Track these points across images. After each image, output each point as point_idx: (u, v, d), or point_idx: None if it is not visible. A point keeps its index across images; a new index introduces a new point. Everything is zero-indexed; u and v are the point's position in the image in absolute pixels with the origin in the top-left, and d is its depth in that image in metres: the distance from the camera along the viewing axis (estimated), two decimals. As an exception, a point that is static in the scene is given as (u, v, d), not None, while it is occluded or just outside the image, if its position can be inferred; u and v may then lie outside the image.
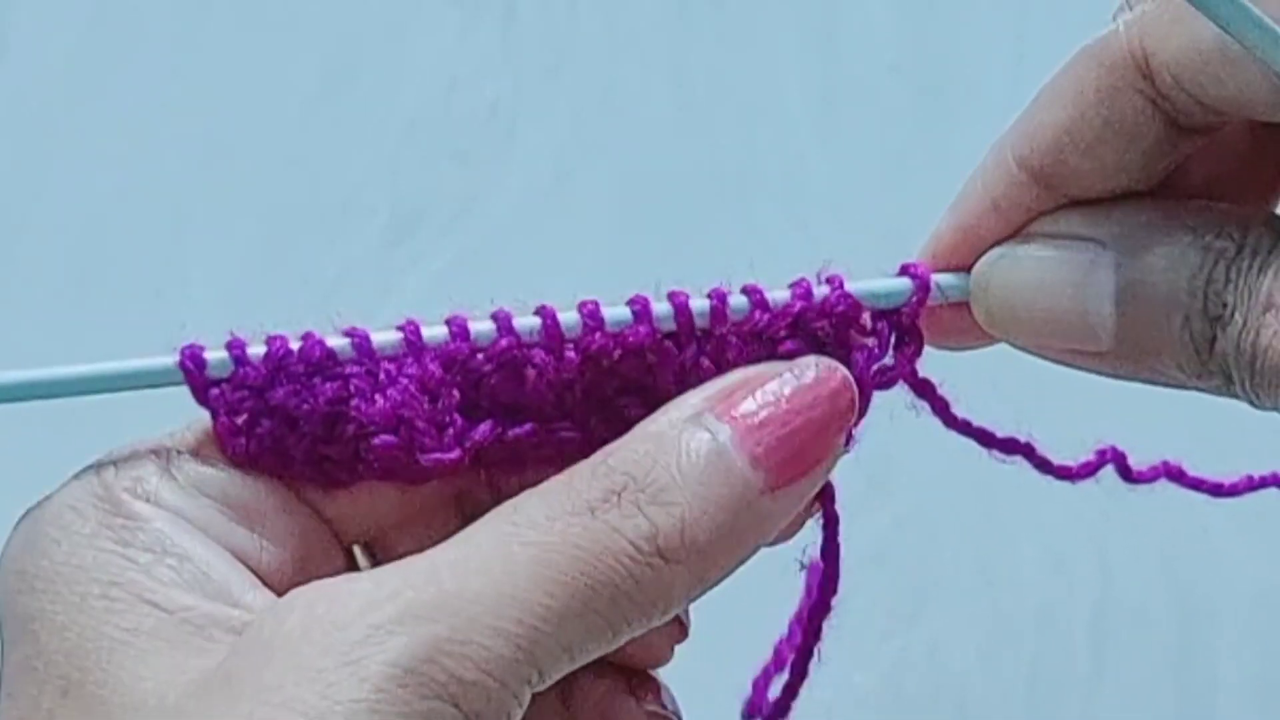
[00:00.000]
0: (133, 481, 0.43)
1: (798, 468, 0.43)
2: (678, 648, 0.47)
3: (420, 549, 0.44)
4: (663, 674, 0.48)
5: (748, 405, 0.43)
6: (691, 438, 0.42)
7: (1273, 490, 0.53)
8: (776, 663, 0.50)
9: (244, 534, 0.43)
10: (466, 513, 0.46)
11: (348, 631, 0.39)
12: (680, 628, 0.47)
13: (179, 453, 0.44)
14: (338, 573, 0.45)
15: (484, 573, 0.40)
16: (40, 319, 0.92)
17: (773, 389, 0.43)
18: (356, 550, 0.47)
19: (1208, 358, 0.43)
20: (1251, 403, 0.43)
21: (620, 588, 0.40)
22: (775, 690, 0.50)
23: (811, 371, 0.44)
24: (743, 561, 0.42)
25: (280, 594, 0.42)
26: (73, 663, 0.40)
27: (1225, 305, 0.42)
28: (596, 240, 0.94)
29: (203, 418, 0.44)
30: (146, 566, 0.41)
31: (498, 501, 0.44)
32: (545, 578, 0.40)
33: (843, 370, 0.44)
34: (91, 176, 0.95)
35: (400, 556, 0.45)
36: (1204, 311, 0.42)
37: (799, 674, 0.48)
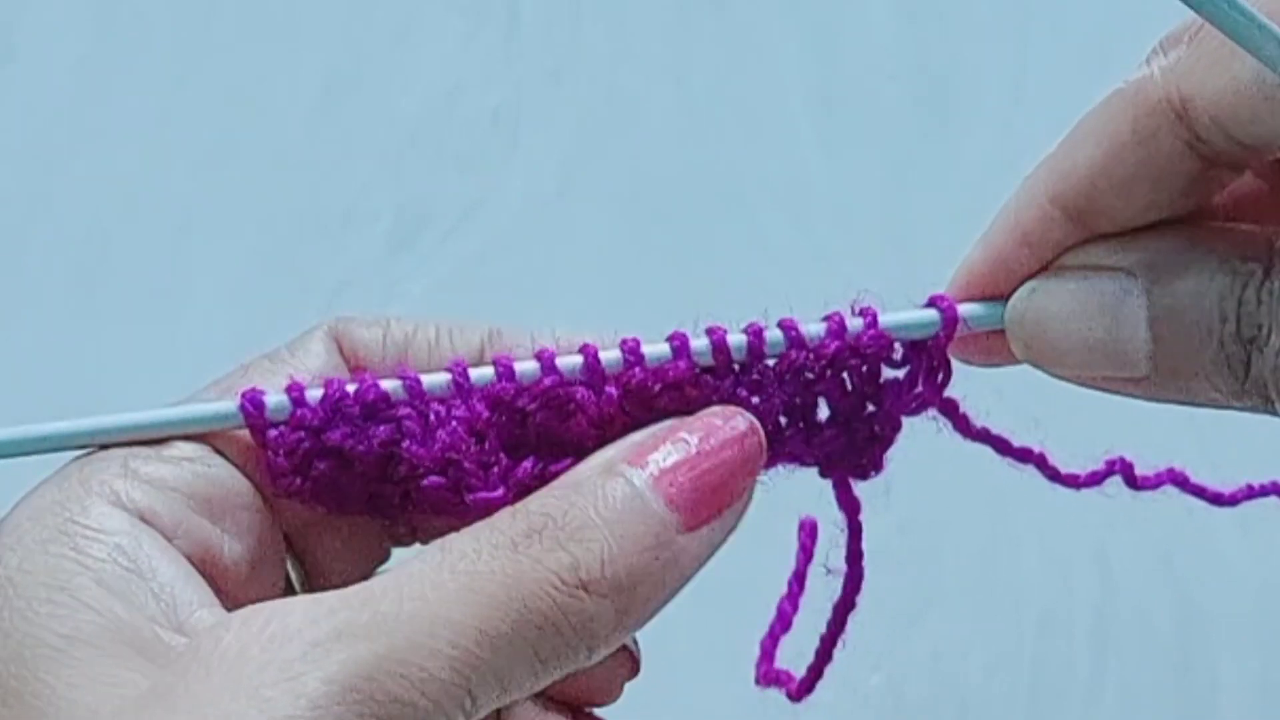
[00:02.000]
0: (98, 484, 0.43)
1: (712, 507, 0.44)
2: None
3: (339, 548, 0.47)
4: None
5: (661, 452, 0.44)
6: (607, 482, 0.44)
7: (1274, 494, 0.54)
8: (782, 623, 0.52)
9: (210, 527, 0.45)
10: (382, 519, 0.48)
11: (286, 648, 0.39)
12: (632, 663, 0.48)
13: (145, 453, 0.45)
14: (282, 575, 0.47)
15: (418, 598, 0.41)
16: (46, 324, 0.92)
17: (683, 436, 0.45)
18: (290, 568, 0.48)
19: (1244, 378, 0.43)
20: None
21: (548, 616, 0.41)
22: (782, 651, 0.52)
23: (719, 420, 0.45)
24: (666, 601, 0.44)
25: (234, 590, 0.44)
26: (11, 670, 0.41)
27: (1260, 327, 0.43)
28: (599, 246, 0.94)
29: None
30: (97, 573, 0.42)
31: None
32: (476, 603, 0.41)
33: (749, 417, 0.46)
34: (97, 182, 0.95)
35: (320, 556, 0.48)
36: (1237, 334, 0.43)
37: (824, 659, 0.51)
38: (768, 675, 0.52)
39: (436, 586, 0.41)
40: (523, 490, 0.46)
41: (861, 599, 0.88)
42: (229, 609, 0.42)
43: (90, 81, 0.98)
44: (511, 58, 0.99)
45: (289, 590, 0.48)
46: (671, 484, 0.44)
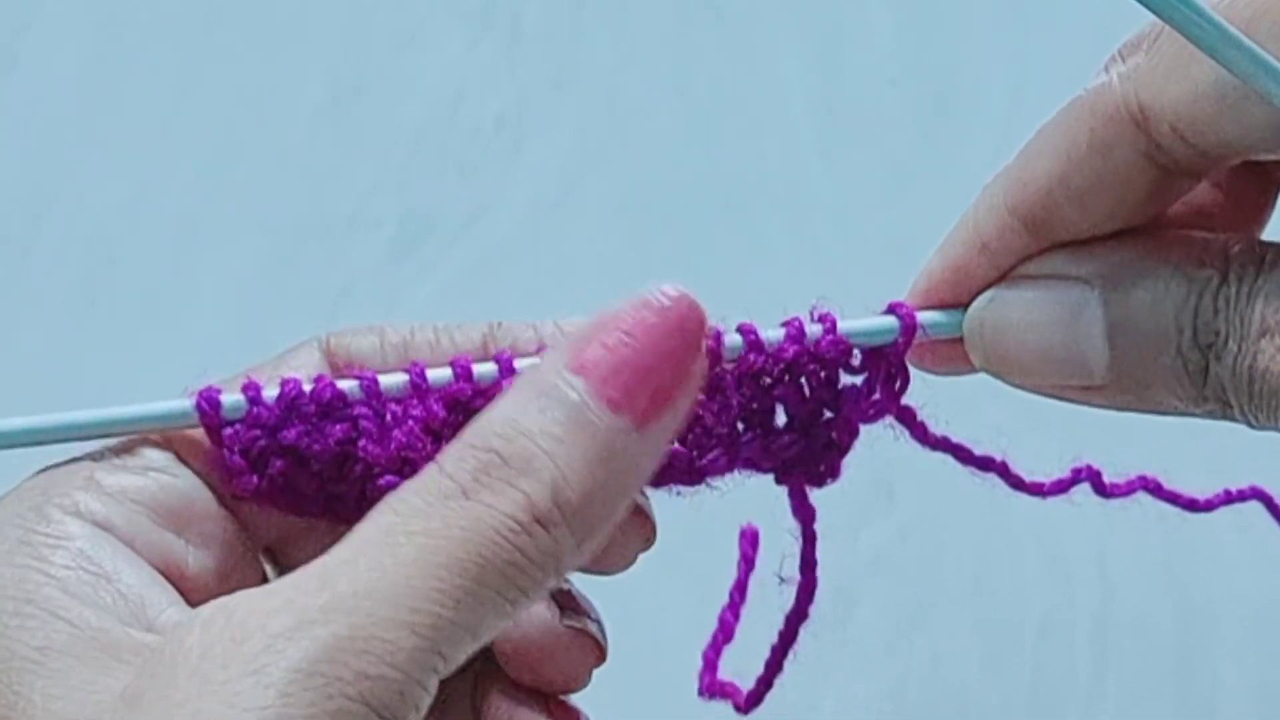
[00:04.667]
0: (59, 495, 0.43)
1: (658, 402, 0.43)
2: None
3: (319, 553, 0.45)
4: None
5: (598, 352, 0.43)
6: (549, 398, 0.42)
7: (1261, 477, 0.54)
8: (724, 633, 0.51)
9: (172, 539, 0.45)
10: (338, 510, 0.48)
11: (247, 644, 0.39)
12: (598, 652, 0.48)
13: (108, 462, 0.45)
14: (257, 580, 0.47)
15: (375, 568, 0.40)
16: (49, 330, 0.92)
17: (622, 330, 0.43)
18: (270, 573, 0.48)
19: (1203, 385, 0.43)
20: (1250, 424, 0.44)
21: (508, 561, 0.41)
22: (725, 667, 0.51)
23: (657, 303, 0.43)
24: (624, 506, 0.43)
25: (202, 598, 0.43)
26: None
27: (1217, 333, 0.43)
28: (601, 252, 0.94)
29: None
30: (63, 583, 0.42)
31: None
32: (434, 564, 0.40)
33: (689, 296, 0.44)
34: (101, 189, 0.96)
35: (301, 561, 0.46)
36: (1194, 341, 0.43)
37: (774, 668, 0.49)
38: (711, 686, 0.51)
39: (392, 552, 0.40)
40: None
41: (862, 604, 0.88)
42: None
43: (93, 88, 0.98)
44: (514, 65, 0.99)
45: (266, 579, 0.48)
46: (615, 387, 0.42)
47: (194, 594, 0.44)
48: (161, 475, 0.45)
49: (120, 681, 0.40)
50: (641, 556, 0.48)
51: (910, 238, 0.92)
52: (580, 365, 0.43)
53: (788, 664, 0.49)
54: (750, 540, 0.50)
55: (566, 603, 0.48)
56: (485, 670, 0.48)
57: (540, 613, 0.47)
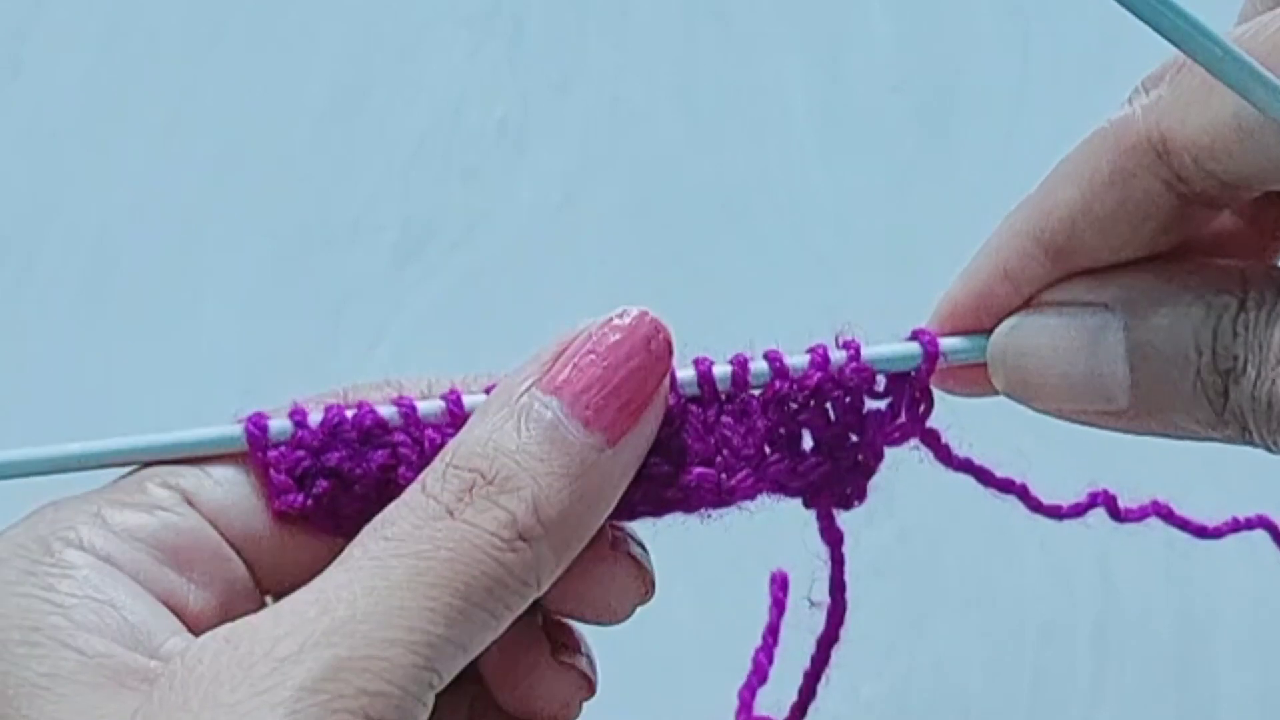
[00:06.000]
0: (64, 529, 0.45)
1: (628, 418, 0.45)
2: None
3: None
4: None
5: (568, 372, 0.45)
6: (526, 418, 0.45)
7: (1277, 501, 0.54)
8: (758, 674, 0.52)
9: (174, 577, 0.46)
10: None
11: (255, 668, 0.41)
12: (588, 686, 0.49)
13: (115, 499, 0.46)
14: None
15: (369, 592, 0.42)
16: (55, 335, 0.92)
17: (591, 349, 0.45)
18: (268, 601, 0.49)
19: (1222, 409, 0.44)
20: (1269, 449, 0.44)
21: (493, 577, 0.43)
22: (760, 704, 0.52)
23: (621, 321, 0.46)
24: (601, 519, 0.45)
25: (203, 634, 0.44)
26: None
27: (1236, 358, 0.43)
28: (604, 257, 0.94)
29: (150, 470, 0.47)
30: (69, 611, 0.43)
31: None
32: (424, 584, 0.42)
33: (650, 314, 0.46)
34: (105, 195, 0.96)
35: None
36: (1214, 366, 0.44)
37: (808, 696, 0.50)
38: None
39: (385, 575, 0.42)
40: None
41: (863, 608, 0.88)
42: None
43: (97, 94, 0.98)
44: (517, 70, 0.99)
45: None
46: (587, 405, 0.45)
47: (196, 629, 0.45)
48: (168, 514, 0.46)
49: (128, 706, 0.42)
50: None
51: (912, 244, 0.93)
52: (553, 385, 0.45)
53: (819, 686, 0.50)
54: (781, 585, 0.52)
55: (560, 637, 0.50)
56: (479, 701, 0.50)
57: (533, 647, 0.49)
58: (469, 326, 0.92)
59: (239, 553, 0.47)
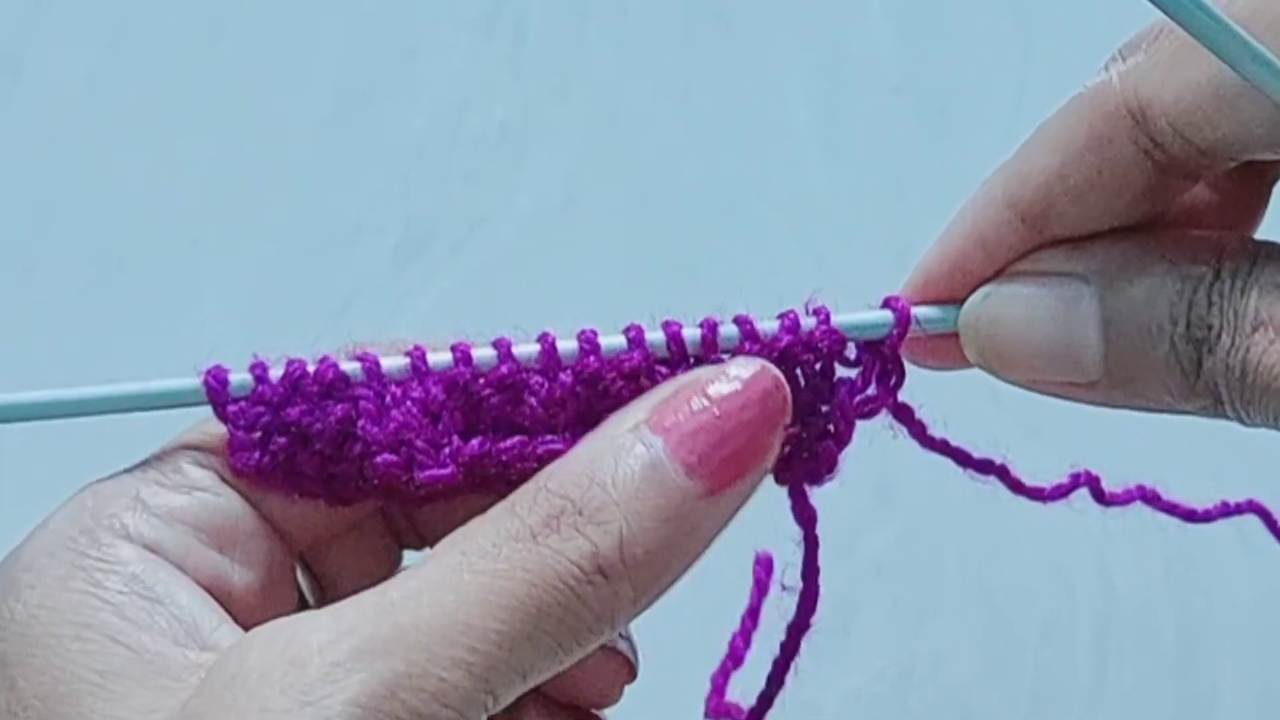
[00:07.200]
0: (108, 518, 0.44)
1: (732, 471, 0.43)
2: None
3: (350, 560, 0.47)
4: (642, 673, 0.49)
5: (681, 414, 0.44)
6: (627, 453, 0.43)
7: (1278, 501, 0.54)
8: (734, 658, 0.51)
9: (217, 559, 0.45)
10: (391, 527, 0.49)
11: (306, 670, 0.40)
12: (629, 669, 0.48)
13: (152, 480, 0.45)
14: (294, 594, 0.47)
15: (437, 605, 0.41)
16: (56, 336, 0.92)
17: (705, 395, 0.44)
18: (300, 579, 0.48)
19: (1195, 380, 0.44)
20: (1241, 421, 0.44)
21: (567, 608, 0.41)
22: (734, 686, 0.51)
23: (743, 373, 0.44)
24: (686, 568, 0.43)
25: (247, 616, 0.44)
26: (49, 706, 0.41)
27: (1210, 327, 0.43)
28: (605, 259, 0.95)
29: (178, 443, 0.46)
30: (119, 608, 0.42)
31: (414, 519, 0.48)
32: (495, 604, 0.41)
33: (774, 371, 0.45)
34: (106, 197, 0.96)
35: (332, 568, 0.48)
36: (1188, 335, 0.43)
37: (776, 685, 0.49)
38: (717, 709, 0.51)
39: (455, 589, 0.41)
40: (472, 469, 0.46)
41: (864, 606, 0.88)
42: (245, 629, 0.43)
43: (99, 96, 0.98)
44: (518, 73, 1.00)
45: (302, 605, 0.48)
46: (692, 451, 0.43)
47: (239, 612, 0.45)
48: (205, 495, 0.46)
49: (178, 701, 0.41)
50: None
51: (913, 245, 0.92)
52: (660, 425, 0.43)
53: (789, 676, 0.49)
54: (765, 566, 0.51)
55: None
56: None
57: None
58: (470, 328, 0.92)
59: (274, 527, 0.47)
